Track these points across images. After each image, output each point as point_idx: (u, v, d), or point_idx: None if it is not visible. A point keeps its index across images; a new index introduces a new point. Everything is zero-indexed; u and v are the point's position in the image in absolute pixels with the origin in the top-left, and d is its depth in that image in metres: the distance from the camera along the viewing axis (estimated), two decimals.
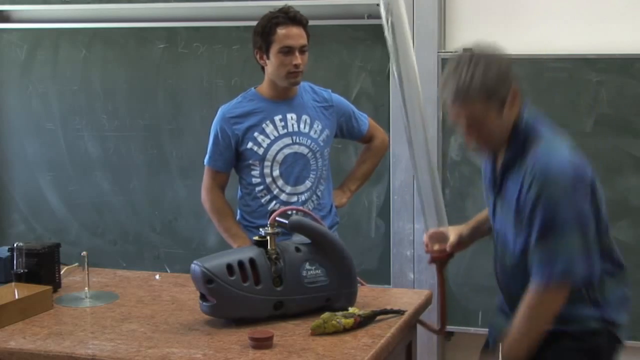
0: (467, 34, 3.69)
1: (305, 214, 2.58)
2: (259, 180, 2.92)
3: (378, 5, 3.73)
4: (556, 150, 2.12)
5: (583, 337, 2.21)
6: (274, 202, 2.90)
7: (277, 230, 2.30)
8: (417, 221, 3.77)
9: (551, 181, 2.06)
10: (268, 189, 2.91)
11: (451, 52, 3.65)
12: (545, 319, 2.11)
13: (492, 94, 2.07)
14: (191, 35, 4.06)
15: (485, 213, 2.42)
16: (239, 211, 3.03)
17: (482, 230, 2.47)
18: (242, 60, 3.98)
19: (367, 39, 3.83)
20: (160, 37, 4.11)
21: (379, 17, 3.77)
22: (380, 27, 3.79)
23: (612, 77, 3.46)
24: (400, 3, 2.31)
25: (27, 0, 4.28)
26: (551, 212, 2.05)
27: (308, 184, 2.94)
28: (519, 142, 2.15)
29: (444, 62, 3.62)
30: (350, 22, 3.83)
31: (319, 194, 2.97)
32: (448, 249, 2.42)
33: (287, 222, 2.31)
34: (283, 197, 2.91)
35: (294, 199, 2.92)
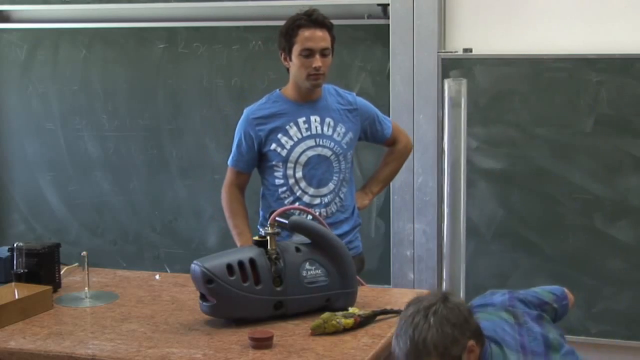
0: (467, 34, 3.70)
1: (306, 213, 2.59)
2: (282, 181, 2.91)
3: (378, 5, 3.79)
4: None
5: None
6: (297, 203, 2.88)
7: (277, 230, 2.30)
8: (417, 221, 3.77)
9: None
10: (291, 191, 2.91)
11: (451, 52, 3.65)
12: None
13: (445, 350, 1.91)
14: (191, 35, 4.06)
15: None
16: (261, 212, 3.02)
17: None
18: (242, 60, 3.98)
19: (367, 39, 3.83)
20: (160, 37, 4.11)
21: (379, 17, 3.82)
22: (380, 27, 3.83)
23: (612, 77, 3.46)
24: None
25: (27, 0, 4.28)
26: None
27: (331, 186, 2.93)
28: None
29: (444, 62, 3.63)
30: (350, 22, 3.83)
31: (341, 196, 2.96)
32: None
33: (287, 222, 2.31)
34: (306, 198, 2.90)
35: (317, 201, 2.91)
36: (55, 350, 2.07)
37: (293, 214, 2.40)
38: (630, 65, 3.44)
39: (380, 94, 3.81)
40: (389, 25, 3.75)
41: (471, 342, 1.93)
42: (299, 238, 2.37)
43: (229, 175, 3.00)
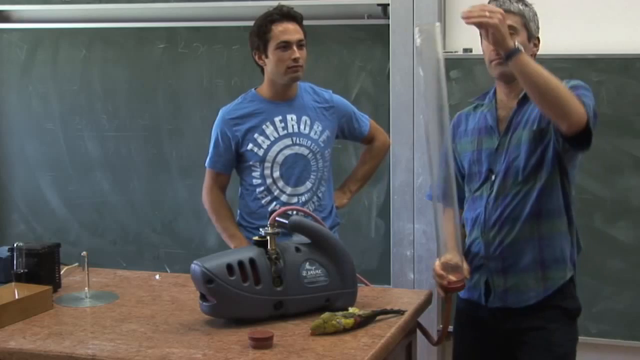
0: (467, 34, 3.68)
1: (305, 214, 2.59)
2: (259, 181, 2.92)
3: (378, 5, 3.79)
4: None
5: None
6: (275, 203, 2.90)
7: (277, 230, 2.30)
8: (417, 221, 3.77)
9: (580, 82, 2.40)
10: (269, 190, 2.91)
11: (451, 52, 3.65)
12: (563, 95, 2.22)
13: (528, 22, 2.42)
14: (191, 35, 4.06)
15: (451, 230, 2.41)
16: (238, 212, 3.03)
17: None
18: (242, 60, 3.98)
19: (367, 39, 3.83)
20: (160, 37, 4.11)
21: (379, 17, 3.82)
22: (380, 27, 3.83)
23: (612, 77, 3.46)
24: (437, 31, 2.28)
25: (27, 0, 4.28)
26: (583, 91, 2.32)
27: (308, 185, 2.93)
28: None
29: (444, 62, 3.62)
30: (350, 22, 3.83)
31: (319, 195, 2.96)
32: (467, 274, 2.40)
33: (287, 222, 2.31)
34: (284, 198, 2.91)
35: (295, 200, 2.91)
36: (55, 350, 2.07)
37: (293, 214, 2.40)
38: (630, 65, 3.44)
39: (380, 94, 3.81)
40: (389, 25, 3.75)
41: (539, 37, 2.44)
42: (299, 238, 2.37)
43: (208, 177, 3.00)
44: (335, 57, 3.85)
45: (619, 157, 3.49)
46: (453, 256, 2.34)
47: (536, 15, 2.45)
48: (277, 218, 2.32)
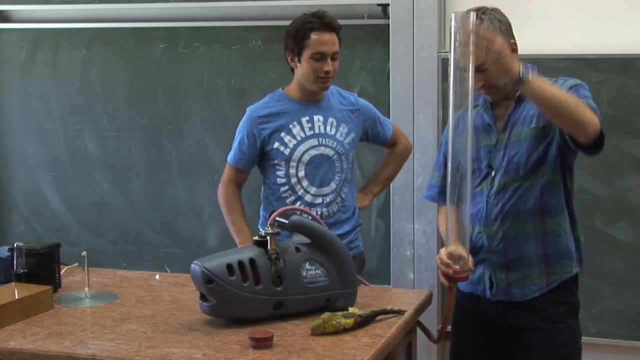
0: None
1: (305, 214, 2.59)
2: (283, 180, 2.91)
3: (378, 5, 3.79)
4: None
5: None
6: (299, 202, 2.90)
7: (277, 230, 2.30)
8: (417, 221, 3.77)
9: (581, 81, 2.40)
10: (293, 190, 2.91)
11: None
12: (577, 109, 2.23)
13: (508, 29, 2.41)
14: (191, 35, 4.06)
15: (455, 223, 2.41)
16: (261, 212, 3.02)
17: None
18: (242, 60, 3.98)
19: (367, 39, 3.83)
20: (160, 37, 4.11)
21: (379, 17, 3.82)
22: (380, 27, 3.83)
23: (612, 77, 3.46)
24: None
25: (27, 0, 4.28)
26: (583, 91, 2.34)
27: (333, 185, 2.93)
28: None
29: (444, 62, 3.62)
30: (350, 22, 3.82)
31: (343, 196, 2.96)
32: (471, 266, 2.40)
33: (287, 222, 2.31)
34: (308, 198, 2.91)
35: (319, 200, 2.91)
36: (55, 350, 2.07)
37: (293, 214, 2.40)
38: (630, 65, 3.44)
39: (380, 94, 3.81)
40: (389, 25, 3.75)
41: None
42: (299, 238, 2.37)
43: (227, 171, 3.00)
44: None
45: (619, 157, 3.48)
46: (457, 247, 2.34)
47: (501, 21, 2.40)
48: (277, 218, 2.32)
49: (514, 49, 2.40)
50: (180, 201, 4.16)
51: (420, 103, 3.72)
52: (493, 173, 2.46)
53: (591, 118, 2.23)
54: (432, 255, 3.73)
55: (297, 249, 2.29)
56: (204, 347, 2.07)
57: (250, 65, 3.98)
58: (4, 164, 4.43)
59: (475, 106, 2.53)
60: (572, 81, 2.39)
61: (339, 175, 2.94)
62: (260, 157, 2.95)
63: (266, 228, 2.30)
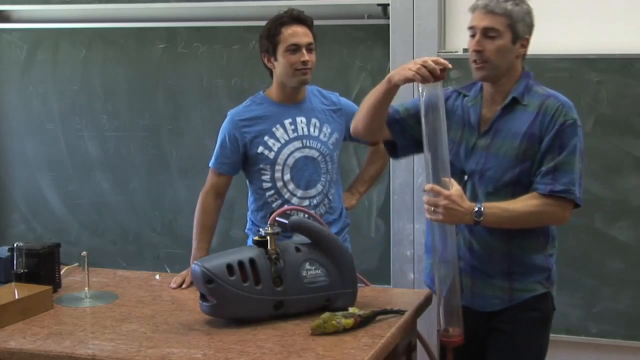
0: (467, 34, 3.69)
1: (305, 214, 2.59)
2: (269, 184, 2.90)
3: (378, 5, 3.79)
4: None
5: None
6: (286, 206, 2.88)
7: (277, 230, 2.30)
8: (417, 221, 3.77)
9: (574, 114, 2.34)
10: (279, 194, 2.89)
11: (451, 52, 3.65)
12: (540, 220, 2.33)
13: (515, 23, 2.33)
14: (191, 35, 4.06)
15: None
16: (249, 219, 3.00)
17: None
18: (242, 60, 3.98)
19: (367, 39, 3.83)
20: (160, 37, 4.11)
21: (379, 17, 3.82)
22: (380, 27, 3.83)
23: (612, 77, 3.46)
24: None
25: (27, 0, 4.28)
26: (572, 137, 2.31)
27: (319, 187, 2.92)
28: (522, 85, 2.39)
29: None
30: (350, 22, 3.83)
31: (330, 197, 2.95)
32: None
33: (287, 222, 2.31)
34: (294, 201, 2.89)
35: (306, 202, 2.89)
36: (55, 350, 2.08)
37: (293, 214, 2.40)
38: (630, 65, 3.44)
39: None
40: (389, 25, 3.75)
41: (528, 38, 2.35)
42: (299, 238, 2.37)
43: (209, 178, 2.96)
44: (336, 57, 3.84)
45: (619, 157, 3.49)
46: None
47: (529, 14, 2.37)
48: (277, 218, 2.32)
49: (523, 45, 2.38)
50: (180, 201, 4.16)
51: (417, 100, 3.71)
52: (465, 178, 2.41)
53: (558, 219, 2.34)
54: None
55: (297, 249, 2.29)
56: (204, 347, 2.07)
57: (250, 65, 3.97)
58: (4, 164, 4.43)
59: (465, 96, 2.51)
60: (562, 118, 2.33)
61: (324, 176, 2.93)
62: (245, 162, 2.92)
63: (266, 228, 2.30)
